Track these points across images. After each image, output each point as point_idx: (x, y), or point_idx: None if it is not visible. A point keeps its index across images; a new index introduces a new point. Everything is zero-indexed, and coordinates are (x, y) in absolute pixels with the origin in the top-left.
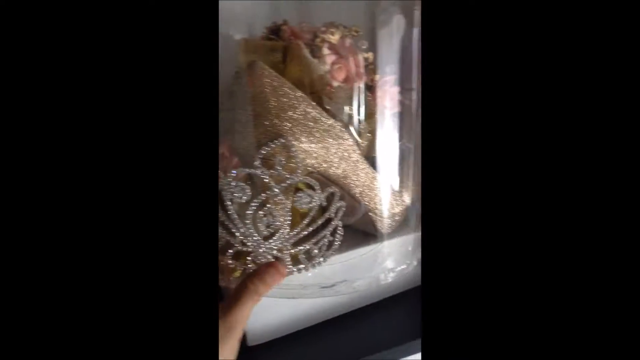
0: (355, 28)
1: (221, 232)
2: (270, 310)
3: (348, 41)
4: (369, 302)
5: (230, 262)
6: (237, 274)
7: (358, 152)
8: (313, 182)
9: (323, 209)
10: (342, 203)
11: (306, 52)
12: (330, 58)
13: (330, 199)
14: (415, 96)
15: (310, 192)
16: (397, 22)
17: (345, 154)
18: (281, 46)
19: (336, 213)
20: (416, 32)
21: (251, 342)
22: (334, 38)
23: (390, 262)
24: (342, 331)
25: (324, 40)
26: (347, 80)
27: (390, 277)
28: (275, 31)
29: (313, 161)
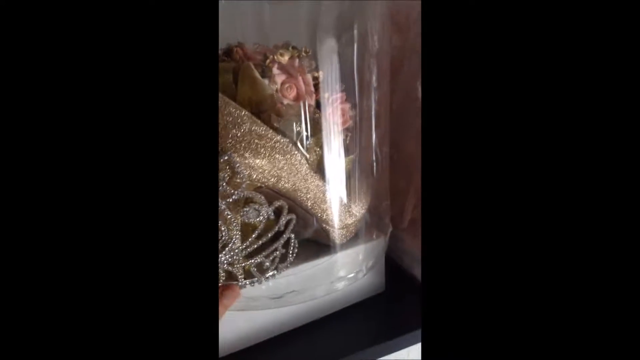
0: (305, 48)
1: None
2: (226, 324)
3: (297, 61)
4: (325, 314)
5: None
6: None
7: (307, 165)
8: (258, 196)
9: (274, 222)
10: (292, 216)
11: (256, 72)
12: (280, 78)
13: (278, 212)
14: (358, 110)
15: (256, 206)
16: (337, 41)
17: (294, 168)
18: (232, 67)
19: (286, 226)
20: (356, 49)
21: None
22: (284, 59)
23: (343, 271)
24: (301, 342)
25: (273, 61)
26: (298, 98)
27: (341, 285)
28: (228, 53)
29: (260, 176)
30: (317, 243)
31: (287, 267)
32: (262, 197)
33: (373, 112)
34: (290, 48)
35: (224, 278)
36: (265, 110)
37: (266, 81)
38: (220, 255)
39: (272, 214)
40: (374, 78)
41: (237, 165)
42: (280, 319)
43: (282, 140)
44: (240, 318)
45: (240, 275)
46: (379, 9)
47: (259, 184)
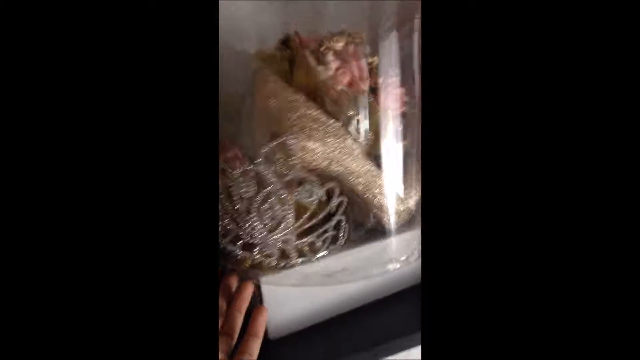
0: (359, 34)
1: (230, 224)
2: (289, 305)
3: (352, 47)
4: (379, 297)
5: (239, 252)
6: (248, 263)
7: (359, 150)
8: (312, 177)
9: (326, 204)
10: (344, 198)
11: (311, 59)
12: (335, 64)
13: (330, 194)
14: (416, 97)
15: (309, 186)
16: (397, 28)
17: (346, 151)
18: (288, 56)
19: (337, 208)
20: (417, 38)
21: (273, 336)
22: (339, 45)
23: (395, 254)
24: (357, 323)
25: (328, 48)
26: (352, 84)
27: (393, 267)
28: (285, 42)
29: (313, 158)
30: (369, 228)
31: (338, 250)
32: (316, 178)
33: None
34: (345, 34)
35: (277, 255)
36: (320, 96)
37: (321, 67)
38: (274, 233)
39: (324, 195)
40: None
41: (291, 147)
42: (335, 301)
43: (334, 124)
44: (302, 300)
45: (293, 254)
46: None
47: (312, 167)
